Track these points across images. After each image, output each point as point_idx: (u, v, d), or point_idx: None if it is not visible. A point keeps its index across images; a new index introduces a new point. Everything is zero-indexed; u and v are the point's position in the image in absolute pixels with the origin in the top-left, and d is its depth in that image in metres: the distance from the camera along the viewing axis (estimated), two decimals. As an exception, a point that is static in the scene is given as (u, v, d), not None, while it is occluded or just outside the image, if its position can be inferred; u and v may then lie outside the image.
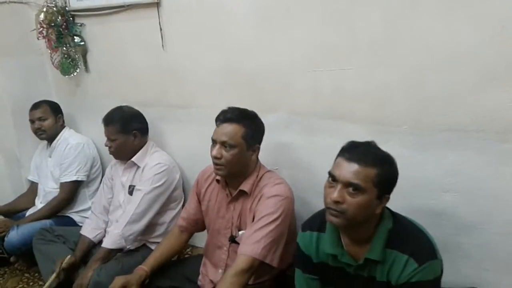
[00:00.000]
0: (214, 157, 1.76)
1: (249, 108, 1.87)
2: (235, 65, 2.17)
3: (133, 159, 2.34)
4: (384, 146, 1.76)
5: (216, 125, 1.81)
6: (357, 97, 1.83)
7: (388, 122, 1.78)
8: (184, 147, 2.49)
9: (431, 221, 1.69)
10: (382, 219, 1.39)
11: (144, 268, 1.94)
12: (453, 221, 1.71)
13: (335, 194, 1.29)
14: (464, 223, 1.69)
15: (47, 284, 2.17)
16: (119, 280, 1.85)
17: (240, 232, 1.84)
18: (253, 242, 1.69)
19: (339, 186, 1.30)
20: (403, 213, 1.51)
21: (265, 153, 2.12)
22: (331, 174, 1.34)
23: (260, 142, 1.86)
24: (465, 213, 1.68)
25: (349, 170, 1.29)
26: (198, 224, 2.08)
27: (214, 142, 1.78)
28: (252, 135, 1.79)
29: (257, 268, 1.69)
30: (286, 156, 2.13)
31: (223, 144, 1.75)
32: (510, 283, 1.64)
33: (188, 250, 2.53)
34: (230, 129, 1.75)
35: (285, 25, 1.96)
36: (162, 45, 2.39)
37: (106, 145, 2.35)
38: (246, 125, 1.78)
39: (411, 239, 1.35)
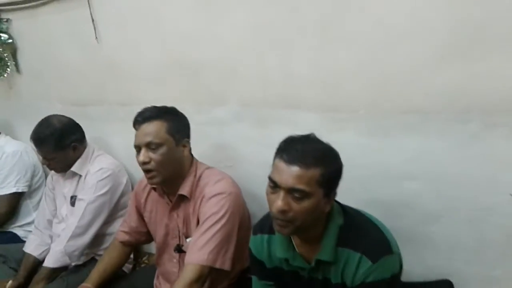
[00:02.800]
0: (143, 163, 1.58)
1: (197, 102, 1.69)
2: (177, 55, 1.98)
3: (72, 168, 2.12)
4: (339, 134, 1.65)
5: (135, 129, 1.63)
6: (308, 82, 1.68)
7: (342, 108, 1.64)
8: (130, 147, 2.27)
9: (393, 212, 1.60)
10: (331, 215, 1.27)
11: (88, 286, 1.77)
12: (417, 210, 1.59)
13: (279, 203, 1.15)
14: (429, 212, 1.57)
15: None
16: None
17: (188, 240, 1.69)
18: (199, 248, 1.54)
19: (282, 193, 1.15)
20: (362, 205, 1.40)
21: (217, 149, 1.99)
22: (271, 180, 1.18)
23: (188, 136, 1.70)
24: (429, 201, 1.56)
25: (290, 174, 1.14)
26: (142, 237, 1.92)
27: (137, 148, 1.61)
28: (178, 129, 1.64)
29: (208, 275, 1.54)
30: (240, 151, 1.97)
31: (149, 146, 1.58)
32: (480, 271, 1.55)
33: (144, 258, 2.35)
34: (152, 127, 1.60)
35: (225, 9, 1.77)
36: (96, 37, 2.17)
37: (43, 163, 2.13)
38: (168, 119, 1.62)
39: (363, 235, 1.23)
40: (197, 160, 1.74)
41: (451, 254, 1.58)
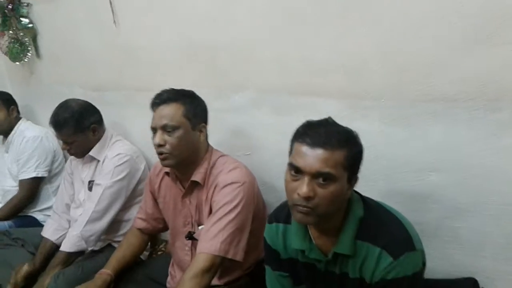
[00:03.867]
0: (158, 146, 1.56)
1: (215, 88, 1.65)
2: (195, 40, 1.94)
3: (90, 153, 2.11)
4: (360, 122, 1.57)
5: (153, 111, 1.60)
6: (329, 69, 1.60)
7: (365, 95, 1.55)
8: (148, 133, 2.25)
9: (417, 205, 1.52)
10: (351, 206, 1.21)
11: (108, 272, 1.75)
12: (442, 204, 1.50)
13: (304, 189, 1.08)
14: (455, 206, 1.48)
15: None
16: None
17: (200, 227, 1.66)
18: (211, 238, 1.50)
19: (306, 179, 1.09)
20: (385, 198, 1.33)
21: (235, 137, 1.95)
22: (293, 166, 1.12)
23: (205, 121, 1.66)
24: (455, 195, 1.47)
25: (316, 157, 1.08)
26: (159, 224, 1.89)
27: (154, 130, 1.59)
28: (195, 112, 1.60)
29: (219, 265, 1.51)
30: (258, 139, 1.91)
31: (164, 128, 1.55)
32: (508, 270, 1.45)
33: (161, 246, 2.33)
34: (168, 110, 1.57)
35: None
36: (114, 21, 2.14)
37: (63, 148, 2.11)
38: (185, 102, 1.59)
39: (384, 228, 1.17)
40: (212, 147, 1.70)
41: (478, 251, 1.49)
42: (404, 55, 1.43)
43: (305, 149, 1.10)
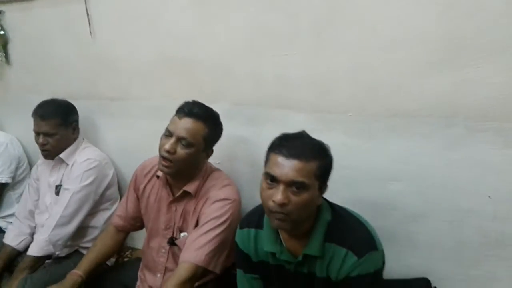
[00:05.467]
0: (166, 151, 1.57)
1: (188, 99, 1.72)
2: (171, 53, 2.02)
3: (61, 155, 2.13)
4: (328, 135, 1.70)
5: (177, 116, 1.61)
6: (301, 84, 1.73)
7: (332, 110, 1.69)
8: (119, 142, 2.31)
9: (377, 211, 1.66)
10: (320, 211, 1.32)
11: (78, 273, 1.77)
12: (401, 211, 1.65)
13: (279, 196, 1.18)
14: (412, 212, 1.63)
15: None
16: None
17: (182, 234, 1.71)
18: (197, 248, 1.56)
19: (281, 187, 1.19)
20: (347, 205, 1.44)
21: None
22: (269, 175, 1.22)
23: (215, 145, 1.73)
24: (412, 202, 1.62)
25: (291, 168, 1.18)
26: (137, 223, 1.92)
27: (169, 134, 1.60)
28: (213, 138, 1.67)
29: (200, 276, 1.58)
30: (229, 149, 1.99)
31: (181, 140, 1.57)
32: (457, 271, 1.61)
33: (127, 253, 2.36)
34: (193, 126, 1.59)
35: (222, 9, 1.82)
36: (90, 32, 2.20)
37: (41, 143, 2.10)
38: (210, 125, 1.63)
39: (350, 231, 1.29)
40: (208, 161, 1.76)
41: (430, 253, 1.64)
42: (371, 74, 1.58)
43: (281, 159, 1.21)
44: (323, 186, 1.26)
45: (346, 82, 1.64)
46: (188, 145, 1.57)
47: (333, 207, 1.36)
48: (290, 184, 1.19)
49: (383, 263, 1.30)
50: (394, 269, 1.63)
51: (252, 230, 1.41)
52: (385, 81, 1.56)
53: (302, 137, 1.28)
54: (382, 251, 1.30)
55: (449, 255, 1.61)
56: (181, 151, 1.57)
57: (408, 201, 1.63)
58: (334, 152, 1.57)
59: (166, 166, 1.59)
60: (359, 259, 1.23)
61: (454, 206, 1.55)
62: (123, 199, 1.98)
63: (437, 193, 1.57)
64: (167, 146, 1.56)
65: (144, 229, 1.94)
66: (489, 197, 1.49)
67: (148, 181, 1.83)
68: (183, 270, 1.53)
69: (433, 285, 1.64)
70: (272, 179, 1.21)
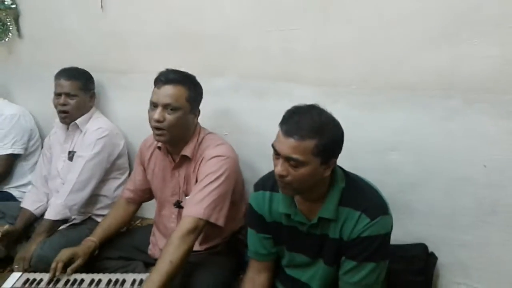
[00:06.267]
0: (156, 121, 1.67)
1: (197, 72, 1.81)
2: (180, 27, 2.08)
3: (76, 121, 2.23)
4: (332, 107, 1.75)
5: (156, 87, 1.71)
6: (306, 57, 1.80)
7: (336, 83, 1.77)
8: (129, 115, 2.39)
9: (377, 180, 1.68)
10: (335, 179, 1.39)
11: (92, 239, 1.87)
12: (399, 180, 1.74)
13: (278, 168, 1.29)
14: (410, 181, 1.72)
15: None
16: (65, 252, 1.77)
17: (187, 197, 1.80)
18: (196, 203, 1.65)
19: (281, 160, 1.29)
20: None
21: (214, 118, 2.09)
22: (273, 147, 1.31)
23: (199, 105, 1.82)
24: (411, 171, 1.71)
25: (287, 145, 1.26)
26: (146, 194, 2.03)
27: (154, 105, 1.69)
28: (195, 98, 1.75)
29: (203, 228, 1.65)
30: (235, 121, 2.09)
31: (166, 107, 1.67)
32: (452, 236, 1.70)
33: (137, 222, 2.45)
34: (174, 91, 1.68)
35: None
36: (101, 6, 2.25)
37: (61, 103, 2.19)
38: (189, 87, 1.72)
39: (364, 196, 1.37)
40: (200, 125, 1.86)
41: (427, 220, 1.73)
42: (375, 49, 1.65)
43: (281, 135, 1.29)
44: (328, 161, 1.31)
45: (350, 56, 1.71)
46: (174, 109, 1.67)
47: (347, 174, 1.44)
48: (288, 159, 1.27)
49: (392, 227, 1.39)
50: (393, 235, 1.66)
51: (267, 193, 1.50)
52: (387, 55, 1.63)
53: (308, 112, 1.30)
54: (391, 216, 1.39)
55: (445, 222, 1.70)
56: (169, 117, 1.67)
57: (406, 170, 1.71)
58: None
59: (160, 135, 1.70)
60: (371, 221, 1.31)
61: (450, 174, 1.64)
62: (132, 173, 2.09)
63: (434, 162, 1.65)
64: (156, 116, 1.66)
65: (153, 201, 2.05)
66: (485, 166, 1.57)
67: (152, 154, 1.94)
68: (184, 223, 1.62)
69: (430, 250, 1.73)
70: (276, 152, 1.31)
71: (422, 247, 1.72)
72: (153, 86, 1.72)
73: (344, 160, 1.55)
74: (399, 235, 1.73)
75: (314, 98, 1.77)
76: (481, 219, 1.63)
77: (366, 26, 1.65)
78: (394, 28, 1.59)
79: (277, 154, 1.30)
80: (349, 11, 1.66)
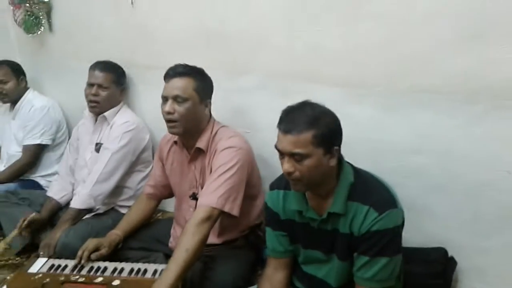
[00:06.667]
0: (167, 113, 1.75)
1: (223, 70, 1.84)
2: (207, 24, 2.12)
3: (105, 114, 2.30)
4: (356, 108, 1.79)
5: (166, 81, 1.80)
6: (333, 58, 1.82)
7: (362, 84, 1.77)
8: (154, 110, 2.40)
9: (398, 182, 1.68)
10: (343, 174, 1.42)
11: (117, 233, 1.94)
12: (421, 183, 1.74)
13: (285, 166, 1.34)
14: (432, 184, 1.72)
15: (7, 238, 2.15)
16: (91, 241, 1.83)
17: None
18: (209, 193, 1.69)
19: (286, 158, 1.34)
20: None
21: (238, 116, 2.13)
22: (276, 148, 1.36)
23: (210, 97, 1.86)
24: (433, 175, 1.71)
25: (287, 141, 1.32)
26: (166, 190, 2.08)
27: (165, 99, 1.78)
28: (203, 88, 1.80)
29: (217, 217, 1.68)
30: (258, 119, 2.11)
31: (175, 98, 1.75)
32: (473, 241, 1.69)
33: (158, 215, 2.51)
34: (181, 83, 1.76)
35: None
36: (132, 1, 2.30)
37: (92, 93, 2.26)
38: (196, 78, 1.79)
39: (372, 191, 1.39)
40: (214, 119, 1.90)
41: (448, 224, 1.72)
42: (402, 50, 1.65)
43: (280, 135, 1.35)
44: (330, 150, 1.34)
45: (377, 57, 1.71)
46: (183, 100, 1.74)
47: (356, 170, 1.47)
48: (291, 155, 1.32)
49: (403, 222, 1.40)
50: (413, 238, 1.72)
51: (281, 192, 1.53)
52: (414, 57, 1.63)
53: (300, 108, 1.36)
54: (402, 210, 1.40)
55: (465, 226, 1.69)
56: (179, 108, 1.74)
57: (428, 173, 1.71)
58: (359, 125, 1.68)
59: (172, 127, 1.77)
60: (379, 215, 1.33)
61: (473, 179, 1.63)
62: (152, 169, 2.14)
63: (457, 166, 1.65)
64: (167, 108, 1.74)
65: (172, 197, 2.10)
66: (508, 172, 1.55)
67: (170, 149, 1.99)
68: (199, 213, 1.65)
69: (449, 254, 1.73)
70: (279, 152, 1.36)
71: (442, 251, 1.72)
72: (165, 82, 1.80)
73: (365, 161, 1.57)
74: (419, 238, 1.76)
75: (338, 99, 1.81)
76: (502, 225, 1.62)
77: (393, 27, 1.64)
78: (422, 29, 1.59)
79: (281, 153, 1.35)
80: (376, 9, 1.66)
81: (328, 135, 1.33)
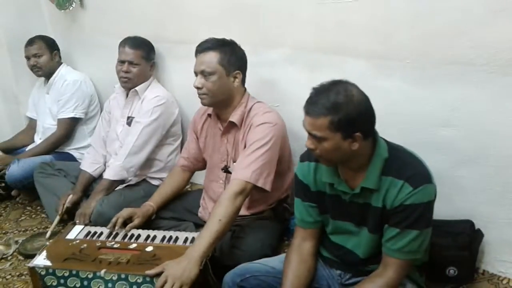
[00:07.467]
0: (196, 87, 1.82)
1: (253, 44, 1.85)
2: (238, -2, 2.13)
3: (136, 88, 2.35)
4: (385, 81, 1.79)
5: (196, 58, 1.85)
6: (361, 30, 1.81)
7: (391, 57, 1.77)
8: (184, 84, 2.43)
9: (427, 155, 1.66)
10: (377, 150, 1.42)
11: (151, 204, 2.01)
12: (450, 155, 1.73)
13: (307, 142, 1.39)
14: (461, 157, 1.71)
15: (52, 226, 2.24)
16: (126, 210, 1.92)
17: (235, 164, 1.88)
18: (244, 167, 1.74)
19: (308, 136, 1.38)
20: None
21: (267, 89, 2.14)
22: (304, 126, 1.40)
23: (240, 68, 1.87)
24: (462, 147, 1.70)
25: (307, 122, 1.36)
26: (199, 162, 2.13)
27: (195, 74, 1.84)
28: (228, 60, 1.82)
29: (250, 191, 1.73)
30: (287, 93, 2.13)
31: (203, 73, 1.80)
32: (504, 215, 1.69)
33: (188, 187, 2.57)
34: (207, 57, 1.81)
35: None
36: (162, -24, 2.33)
37: (124, 70, 2.31)
38: (221, 51, 1.82)
39: (407, 165, 1.39)
40: (249, 94, 1.93)
41: (476, 197, 1.72)
42: (432, 22, 1.63)
43: (304, 115, 1.37)
44: (351, 135, 1.33)
45: (406, 29, 1.70)
46: (209, 74, 1.80)
47: (390, 145, 1.47)
48: (311, 134, 1.36)
49: (435, 196, 1.41)
50: (440, 210, 1.68)
51: (312, 163, 1.55)
52: (444, 28, 1.61)
53: (326, 91, 1.35)
54: (435, 185, 1.40)
55: (494, 199, 1.69)
56: (207, 82, 1.81)
57: (458, 146, 1.71)
58: (390, 98, 1.68)
59: (203, 98, 1.85)
60: (414, 189, 1.34)
61: (503, 152, 1.62)
62: (186, 142, 2.19)
63: (487, 139, 1.64)
64: (195, 83, 1.83)
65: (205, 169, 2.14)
66: (540, 145, 1.54)
67: (204, 122, 2.05)
68: (233, 186, 1.71)
69: (476, 227, 1.73)
70: (306, 129, 1.39)
71: (469, 223, 1.72)
72: None
73: (395, 134, 1.57)
74: (447, 211, 1.75)
75: (367, 72, 1.82)
76: (531, 198, 1.62)
77: (423, -1, 1.63)
78: (451, 0, 1.57)
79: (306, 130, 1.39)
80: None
81: (347, 122, 1.31)
